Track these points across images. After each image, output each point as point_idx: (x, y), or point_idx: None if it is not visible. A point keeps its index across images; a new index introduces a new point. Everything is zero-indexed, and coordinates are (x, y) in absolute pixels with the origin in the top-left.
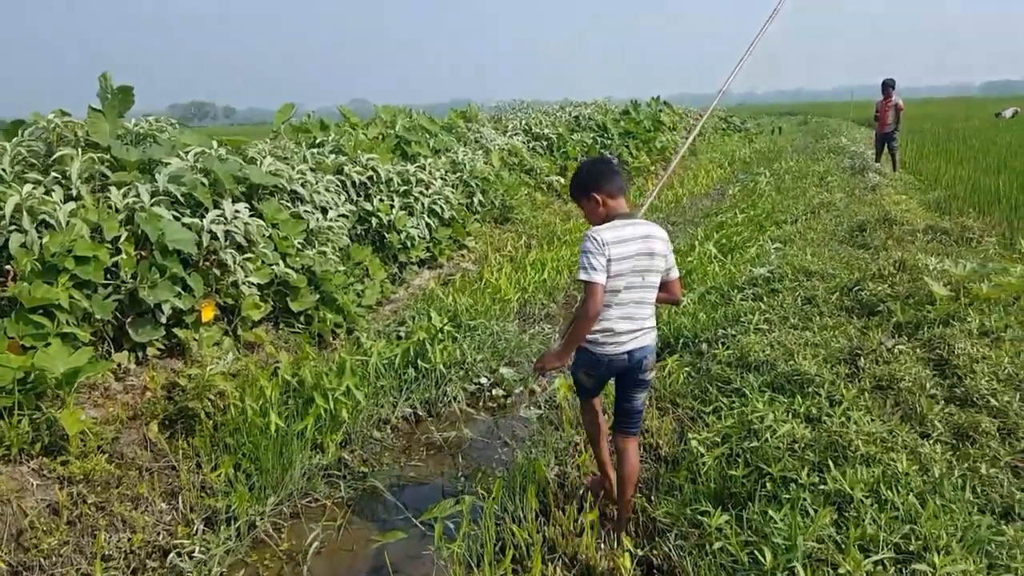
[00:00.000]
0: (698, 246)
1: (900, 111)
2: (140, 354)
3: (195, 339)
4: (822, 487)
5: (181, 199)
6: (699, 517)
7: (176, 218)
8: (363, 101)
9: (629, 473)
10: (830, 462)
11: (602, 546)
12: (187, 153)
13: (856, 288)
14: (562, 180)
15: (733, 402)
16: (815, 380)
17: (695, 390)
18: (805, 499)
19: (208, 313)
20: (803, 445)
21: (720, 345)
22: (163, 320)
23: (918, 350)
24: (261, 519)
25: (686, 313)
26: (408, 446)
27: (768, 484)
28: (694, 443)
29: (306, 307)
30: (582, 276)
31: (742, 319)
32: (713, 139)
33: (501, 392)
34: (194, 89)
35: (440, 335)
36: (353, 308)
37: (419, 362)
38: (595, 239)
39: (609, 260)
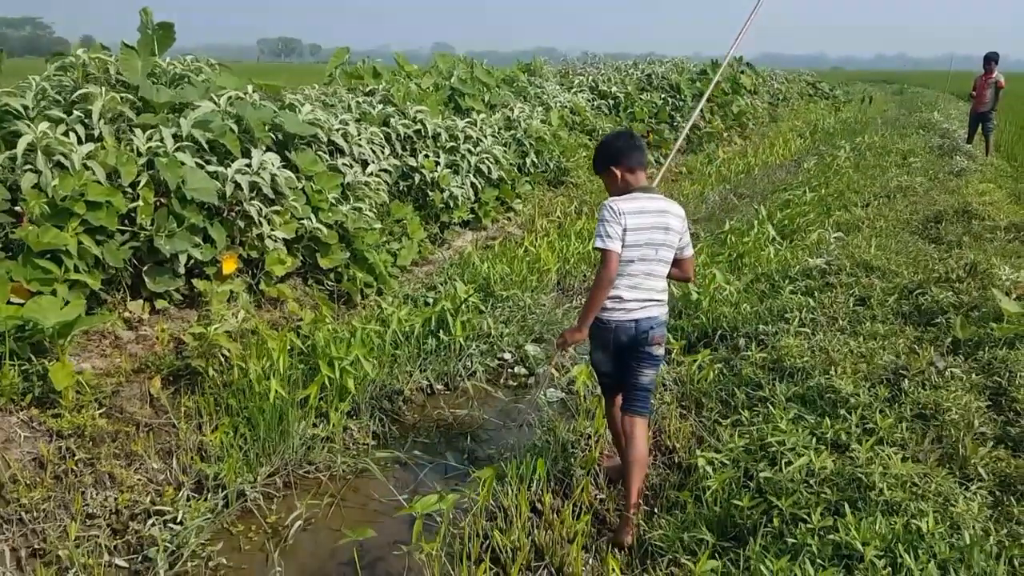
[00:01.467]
0: (757, 226)
1: (1000, 89)
2: (159, 303)
3: (216, 291)
4: (832, 536)
5: (206, 146)
6: (695, 545)
7: (200, 165)
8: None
9: (637, 457)
10: (847, 505)
11: (590, 562)
12: (220, 97)
13: (917, 291)
14: None
15: (756, 414)
16: (849, 401)
17: (722, 392)
18: (811, 547)
19: (230, 265)
20: (821, 479)
21: (757, 344)
22: (181, 271)
23: (974, 374)
24: (252, 487)
25: (727, 302)
26: (418, 421)
27: (775, 519)
28: (701, 461)
29: (336, 265)
30: (598, 244)
31: (787, 315)
32: (797, 106)
33: (523, 370)
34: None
35: (464, 307)
36: (385, 268)
37: (440, 333)
38: (612, 208)
39: (625, 229)
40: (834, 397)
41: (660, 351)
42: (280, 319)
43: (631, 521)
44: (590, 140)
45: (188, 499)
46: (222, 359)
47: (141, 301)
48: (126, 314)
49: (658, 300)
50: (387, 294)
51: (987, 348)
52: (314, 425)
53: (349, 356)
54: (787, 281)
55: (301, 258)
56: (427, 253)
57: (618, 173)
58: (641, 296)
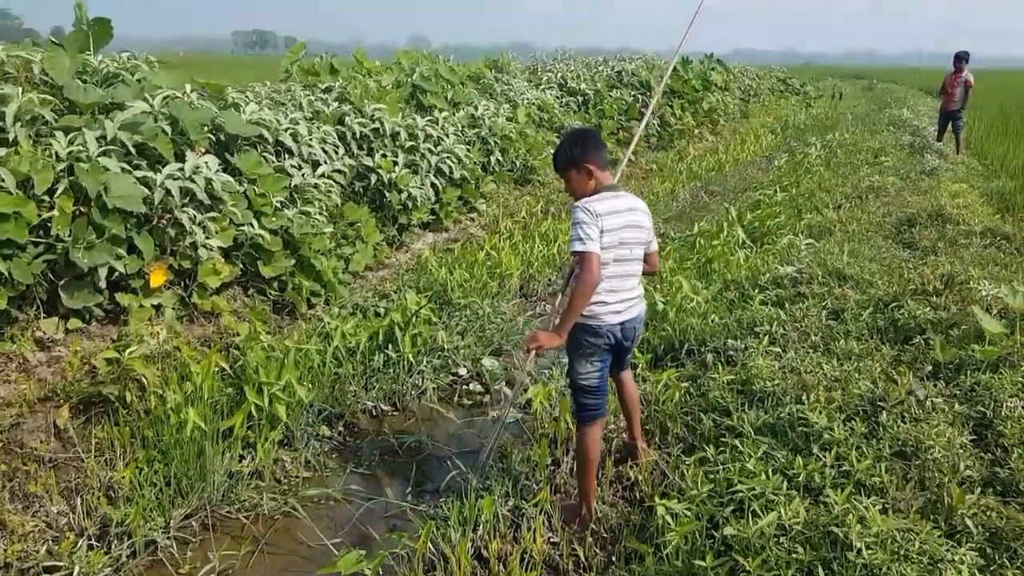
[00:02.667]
0: (727, 228)
1: (970, 88)
2: (71, 323)
3: (141, 305)
4: None
5: (133, 150)
6: None
7: (128, 171)
8: (423, 39)
9: (632, 396)
10: (820, 568)
11: None
12: (156, 97)
13: (893, 304)
14: None
15: (723, 449)
16: (823, 436)
17: (688, 416)
18: None
19: (158, 277)
20: (793, 535)
21: (726, 361)
22: (102, 284)
23: (956, 403)
24: (164, 534)
25: (695, 313)
26: (360, 449)
27: None
28: (661, 510)
29: (279, 273)
30: (577, 247)
31: (757, 328)
32: (768, 101)
33: (479, 387)
34: (258, 17)
35: (415, 319)
36: (335, 276)
37: (389, 348)
38: (588, 209)
39: (601, 232)
40: (807, 430)
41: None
42: (214, 334)
43: (644, 449)
44: (557, 137)
45: (90, 548)
46: (140, 384)
47: (56, 319)
48: (39, 333)
49: (637, 296)
50: (334, 305)
51: (969, 372)
52: (240, 458)
53: (280, 381)
54: (757, 290)
55: (242, 267)
56: (383, 257)
57: (592, 169)
58: (624, 296)
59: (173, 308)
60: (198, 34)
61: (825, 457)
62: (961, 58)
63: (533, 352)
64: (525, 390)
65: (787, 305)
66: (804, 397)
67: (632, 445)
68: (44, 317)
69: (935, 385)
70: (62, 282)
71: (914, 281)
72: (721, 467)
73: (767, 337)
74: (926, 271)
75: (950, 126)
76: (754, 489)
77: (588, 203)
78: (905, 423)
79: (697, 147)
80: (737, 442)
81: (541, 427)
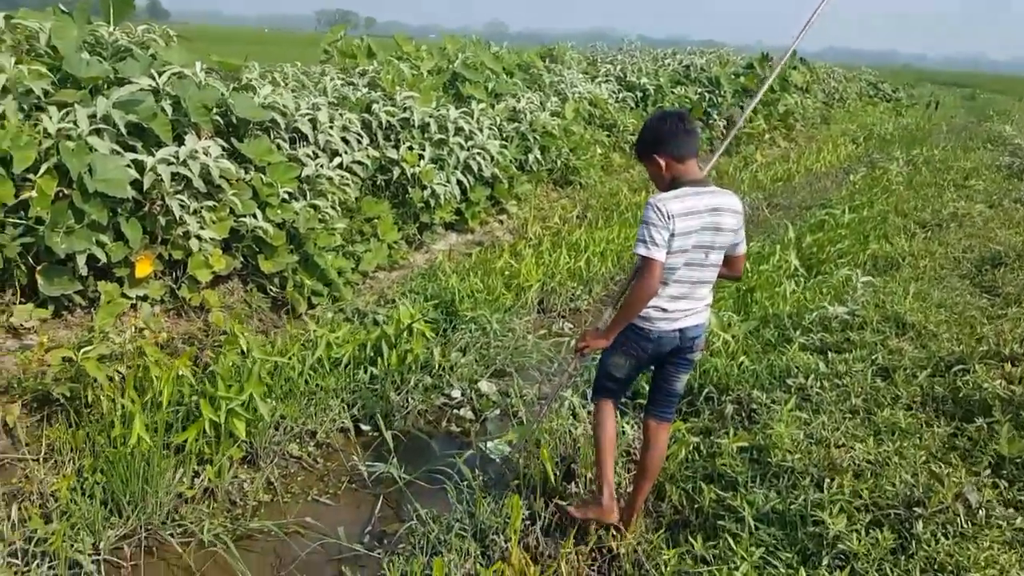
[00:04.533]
0: (779, 252)
1: None
2: (38, 313)
3: (113, 299)
4: None
5: (124, 130)
6: None
7: (120, 153)
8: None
9: (655, 460)
10: None
11: None
12: (163, 75)
13: (957, 368)
14: None
15: (715, 541)
16: (838, 545)
17: (689, 482)
18: None
19: (144, 267)
20: None
21: (747, 416)
22: (83, 272)
23: (1020, 518)
24: (93, 556)
25: (723, 353)
26: (328, 473)
27: None
28: None
29: (280, 269)
30: (640, 251)
31: (790, 379)
32: (855, 107)
33: (470, 414)
34: None
35: (405, 335)
36: (341, 276)
37: (377, 363)
38: (659, 210)
39: (672, 235)
40: (821, 532)
41: (699, 356)
42: (200, 331)
43: (631, 520)
44: (608, 136)
45: (8, 565)
46: (99, 385)
47: (31, 305)
48: (13, 319)
49: (705, 306)
50: (328, 309)
51: None
52: (196, 475)
53: (241, 396)
54: (799, 332)
55: (243, 259)
56: (399, 257)
57: (662, 163)
58: (688, 306)
59: (162, 300)
60: (283, 12)
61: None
62: None
63: (581, 352)
64: (557, 397)
65: (830, 354)
66: (827, 482)
67: (628, 510)
68: (22, 303)
69: (994, 486)
70: (40, 267)
71: (987, 340)
72: (705, 570)
73: (799, 394)
74: (1004, 328)
75: None
76: None
77: (663, 201)
78: (947, 538)
79: (766, 153)
80: (736, 528)
81: (525, 470)
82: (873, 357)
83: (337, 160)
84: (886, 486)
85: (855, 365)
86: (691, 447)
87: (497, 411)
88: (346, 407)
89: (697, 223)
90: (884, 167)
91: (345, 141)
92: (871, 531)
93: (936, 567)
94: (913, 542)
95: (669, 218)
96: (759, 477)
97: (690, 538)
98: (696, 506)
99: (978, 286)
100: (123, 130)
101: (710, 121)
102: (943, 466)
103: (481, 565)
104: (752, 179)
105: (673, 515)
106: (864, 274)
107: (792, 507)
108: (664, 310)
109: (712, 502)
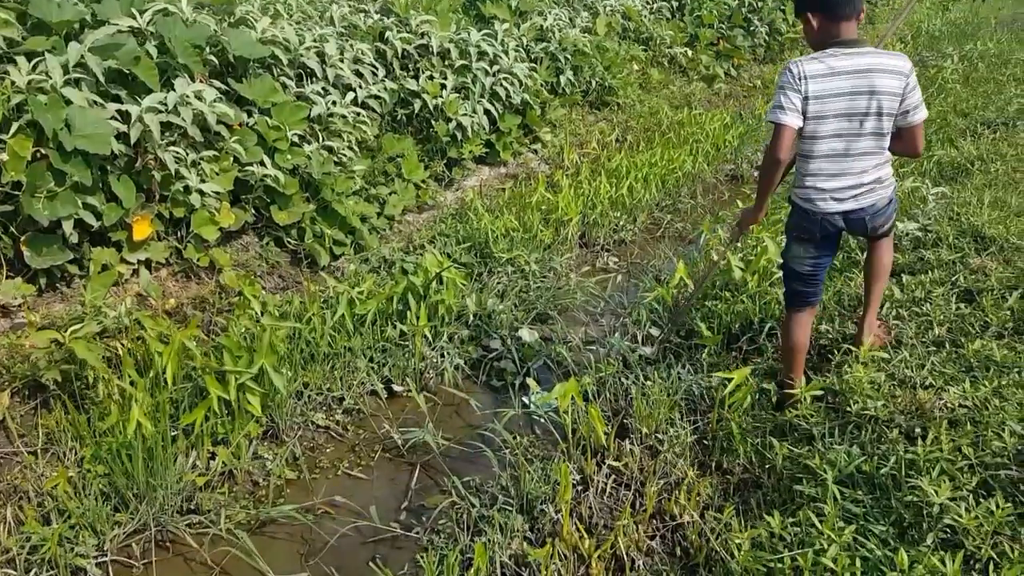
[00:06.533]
0: None
1: None
2: (23, 288)
3: (97, 273)
4: None
5: (102, 78)
6: None
7: (100, 104)
8: None
9: (878, 263)
10: None
11: None
12: (143, 14)
13: None
14: (688, 52)
15: (793, 509)
16: (942, 518)
17: (758, 435)
18: None
19: (142, 229)
20: None
21: (812, 358)
22: (73, 239)
23: None
24: (96, 560)
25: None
26: (358, 442)
27: None
28: None
29: (296, 219)
30: (768, 116)
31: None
32: (899, 4)
33: (511, 365)
34: None
35: (435, 284)
36: (365, 222)
37: (406, 318)
38: (791, 71)
39: (806, 98)
40: (919, 501)
41: (890, 226)
42: (212, 294)
43: (877, 336)
44: (644, 51)
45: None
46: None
47: (18, 280)
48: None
49: (871, 184)
50: (352, 260)
51: None
52: (211, 456)
53: (251, 369)
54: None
55: (254, 212)
56: (428, 197)
57: (814, 22)
58: (847, 183)
59: (167, 262)
60: None
61: (946, 563)
62: None
63: (741, 231)
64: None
65: (904, 278)
66: (919, 432)
67: (859, 325)
68: (10, 278)
69: None
70: (23, 237)
71: None
72: (786, 551)
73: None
74: None
75: None
76: None
77: (802, 62)
78: None
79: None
80: (816, 492)
81: (572, 434)
82: (953, 279)
83: (351, 96)
84: (991, 433)
85: (934, 289)
86: (755, 396)
87: (540, 361)
88: (375, 368)
89: (846, 85)
90: (937, 64)
91: (359, 74)
92: (978, 498)
93: None
94: None
95: (801, 79)
96: (837, 429)
97: (765, 515)
98: (767, 465)
99: None
100: (101, 78)
101: (750, 28)
102: None
103: (529, 542)
104: None
105: (742, 474)
106: (931, 183)
107: (881, 467)
108: (822, 190)
109: (785, 459)
